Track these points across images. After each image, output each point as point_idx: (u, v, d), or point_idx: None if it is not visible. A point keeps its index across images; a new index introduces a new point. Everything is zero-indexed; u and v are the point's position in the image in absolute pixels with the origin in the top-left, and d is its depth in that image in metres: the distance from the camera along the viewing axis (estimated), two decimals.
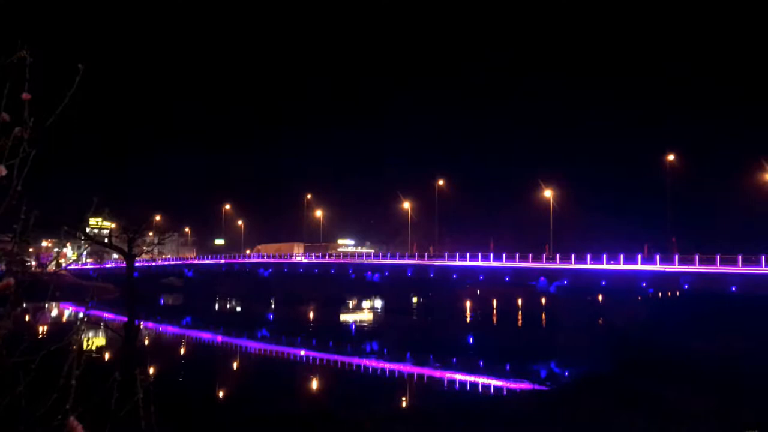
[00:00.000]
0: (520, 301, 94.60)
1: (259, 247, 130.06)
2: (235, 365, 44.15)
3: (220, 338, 57.98)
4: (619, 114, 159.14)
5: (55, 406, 2.57)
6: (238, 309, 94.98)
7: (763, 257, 51.97)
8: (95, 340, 50.04)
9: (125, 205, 77.64)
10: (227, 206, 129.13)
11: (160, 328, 64.24)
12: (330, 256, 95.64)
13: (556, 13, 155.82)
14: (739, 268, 52.68)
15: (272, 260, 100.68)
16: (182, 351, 50.60)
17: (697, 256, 55.64)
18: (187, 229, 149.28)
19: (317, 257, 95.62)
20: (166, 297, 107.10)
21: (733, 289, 53.38)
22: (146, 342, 53.14)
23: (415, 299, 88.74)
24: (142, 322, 57.15)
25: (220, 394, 33.04)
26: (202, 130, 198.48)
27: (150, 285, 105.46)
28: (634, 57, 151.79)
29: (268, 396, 28.81)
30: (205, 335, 59.80)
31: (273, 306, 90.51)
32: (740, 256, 52.93)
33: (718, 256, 54.20)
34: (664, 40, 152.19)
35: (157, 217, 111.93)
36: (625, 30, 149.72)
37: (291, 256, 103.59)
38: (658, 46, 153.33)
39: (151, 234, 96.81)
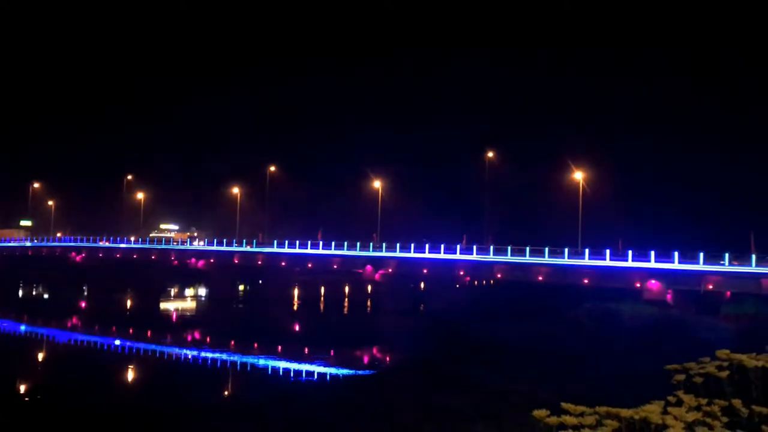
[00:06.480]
0: (347, 289, 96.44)
1: None
2: (39, 356, 40.55)
3: (22, 327, 53.07)
4: (446, 110, 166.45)
5: None
6: (46, 296, 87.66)
7: (567, 250, 57.01)
8: None
9: None
10: (36, 185, 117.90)
11: None
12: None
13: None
14: (546, 260, 57.37)
15: (85, 244, 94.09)
16: None
17: (509, 248, 59.73)
18: None
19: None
20: None
21: (540, 278, 58.14)
22: None
23: (242, 287, 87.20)
24: None
25: (21, 387, 30.13)
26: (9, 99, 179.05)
27: None
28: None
29: (76, 389, 26.69)
30: (4, 324, 54.35)
31: (86, 293, 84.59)
32: (547, 249, 57.62)
33: (528, 248, 58.57)
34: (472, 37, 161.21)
35: None
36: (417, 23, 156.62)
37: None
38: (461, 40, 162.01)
39: None
